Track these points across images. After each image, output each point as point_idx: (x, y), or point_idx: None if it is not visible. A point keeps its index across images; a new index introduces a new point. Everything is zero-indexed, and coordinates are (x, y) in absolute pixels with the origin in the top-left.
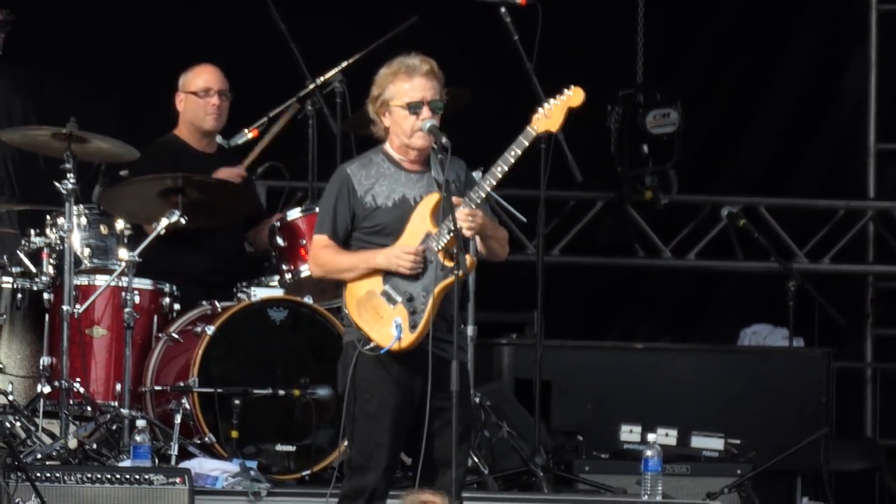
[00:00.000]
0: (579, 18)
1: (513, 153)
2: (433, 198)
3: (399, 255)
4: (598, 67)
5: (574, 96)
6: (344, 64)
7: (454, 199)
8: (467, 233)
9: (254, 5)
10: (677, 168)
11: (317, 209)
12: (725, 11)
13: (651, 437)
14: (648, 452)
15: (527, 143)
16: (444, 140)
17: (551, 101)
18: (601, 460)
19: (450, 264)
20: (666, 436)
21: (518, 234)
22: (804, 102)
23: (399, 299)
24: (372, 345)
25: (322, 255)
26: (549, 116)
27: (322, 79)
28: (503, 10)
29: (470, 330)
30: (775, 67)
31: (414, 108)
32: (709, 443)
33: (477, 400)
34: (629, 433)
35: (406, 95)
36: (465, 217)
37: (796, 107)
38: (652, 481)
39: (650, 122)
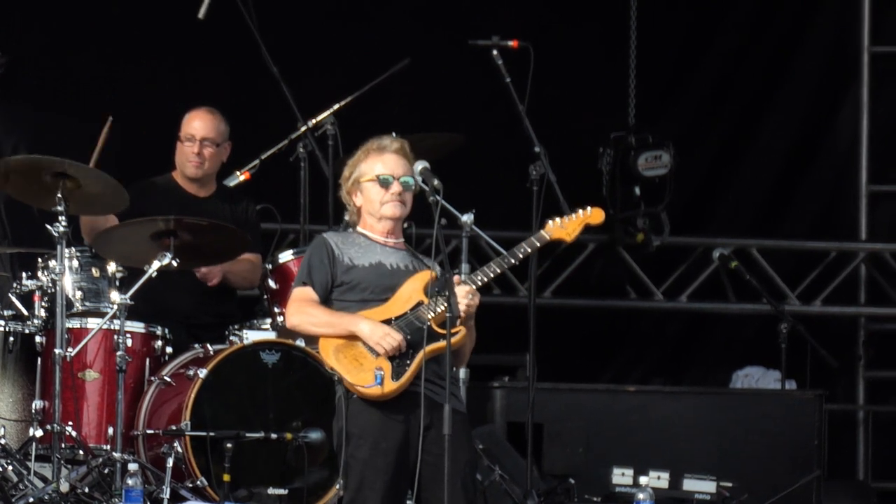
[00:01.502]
0: (571, 61)
1: (522, 251)
2: (427, 274)
3: (386, 335)
4: (589, 109)
5: (594, 215)
6: (336, 106)
7: (455, 277)
8: (463, 309)
9: (247, 48)
10: (669, 210)
11: None
12: (717, 53)
13: (643, 479)
14: (640, 495)
15: (538, 245)
16: (435, 182)
17: (571, 214)
18: (593, 503)
19: (441, 332)
20: (658, 478)
21: (510, 277)
22: (796, 144)
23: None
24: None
25: (303, 307)
26: (565, 227)
27: (314, 121)
28: (495, 52)
29: (462, 373)
30: (767, 110)
31: (384, 181)
32: (701, 485)
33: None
34: (621, 476)
35: (378, 171)
36: (465, 294)
37: (788, 148)
38: None
39: (642, 164)
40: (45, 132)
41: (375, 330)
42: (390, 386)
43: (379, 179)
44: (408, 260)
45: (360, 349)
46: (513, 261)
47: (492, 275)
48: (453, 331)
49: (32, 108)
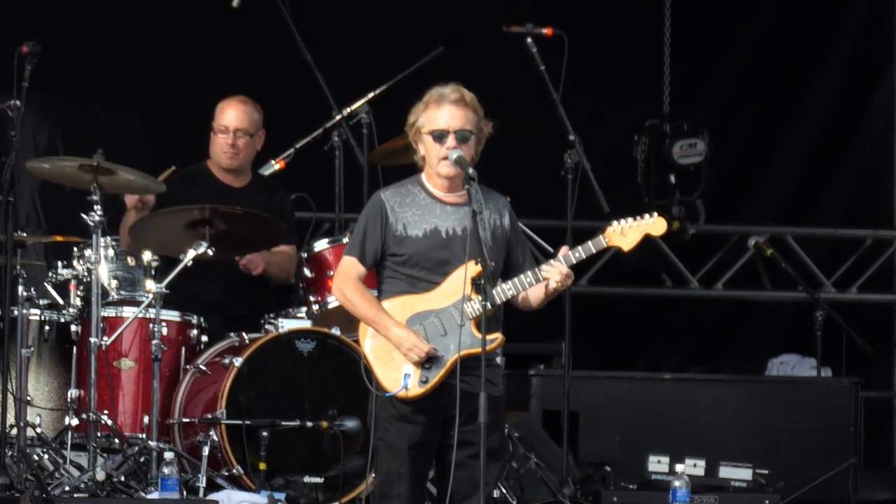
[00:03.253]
0: (606, 48)
1: (577, 255)
2: (474, 265)
3: (412, 347)
4: (624, 97)
5: (656, 225)
6: (370, 95)
7: (563, 248)
8: (554, 285)
9: (282, 36)
10: (704, 198)
11: (344, 240)
12: (750, 40)
13: (679, 467)
14: (676, 483)
15: (593, 251)
16: (470, 171)
17: (630, 219)
18: (629, 491)
19: (478, 336)
20: (694, 466)
21: None
22: (830, 130)
23: None
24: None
25: (347, 287)
26: (625, 234)
27: (348, 110)
28: (529, 40)
29: (498, 360)
30: (801, 96)
31: (439, 135)
32: (737, 473)
33: (505, 431)
34: (657, 463)
35: (434, 123)
36: (560, 275)
37: (822, 135)
38: None
39: (677, 152)
40: (78, 121)
41: (404, 341)
42: (416, 391)
43: (433, 134)
44: (467, 220)
45: None
46: (565, 265)
47: (542, 279)
48: (490, 337)
49: (65, 98)
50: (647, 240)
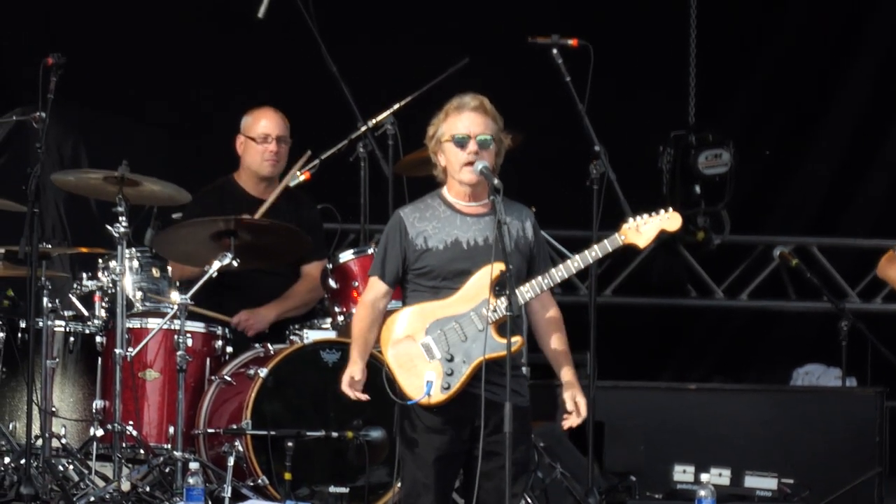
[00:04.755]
0: (631, 59)
1: (593, 254)
2: (498, 267)
3: (345, 388)
4: (649, 108)
5: (671, 221)
6: (396, 106)
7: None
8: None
9: (307, 47)
10: (729, 208)
11: (369, 251)
12: (777, 51)
13: (704, 477)
14: (702, 492)
15: (610, 249)
16: (495, 182)
17: (645, 215)
18: (655, 500)
19: (500, 340)
20: (719, 476)
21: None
22: (856, 141)
23: (438, 356)
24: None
25: (360, 307)
26: (640, 232)
27: (374, 121)
28: (555, 51)
29: (524, 370)
30: (826, 107)
31: (460, 141)
32: (762, 482)
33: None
34: (682, 473)
35: (454, 129)
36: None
37: (848, 145)
38: None
39: (702, 162)
40: (102, 133)
41: (344, 383)
42: (438, 397)
43: (454, 139)
44: (488, 230)
45: (416, 349)
46: (581, 265)
47: (558, 279)
48: (510, 339)
49: (89, 110)
50: (672, 250)
